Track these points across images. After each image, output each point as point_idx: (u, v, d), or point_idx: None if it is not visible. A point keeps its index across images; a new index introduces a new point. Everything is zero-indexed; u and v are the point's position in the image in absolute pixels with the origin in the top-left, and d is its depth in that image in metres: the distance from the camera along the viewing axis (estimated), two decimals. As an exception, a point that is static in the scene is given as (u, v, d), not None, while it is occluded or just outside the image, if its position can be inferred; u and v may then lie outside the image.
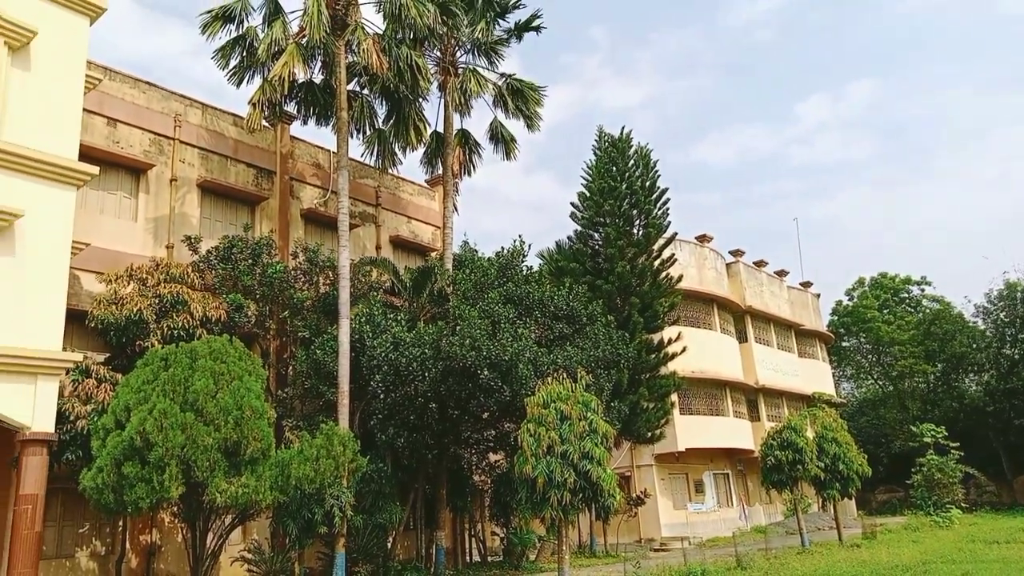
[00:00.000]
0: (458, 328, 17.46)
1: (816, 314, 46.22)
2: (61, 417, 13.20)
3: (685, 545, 26.31)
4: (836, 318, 55.00)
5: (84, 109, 14.72)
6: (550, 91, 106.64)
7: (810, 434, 24.60)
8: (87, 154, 14.69)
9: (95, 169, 14.16)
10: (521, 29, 23.92)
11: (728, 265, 38.58)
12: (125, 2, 62.31)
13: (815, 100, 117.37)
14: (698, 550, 24.05)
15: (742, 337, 37.94)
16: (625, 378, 22.57)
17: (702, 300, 34.74)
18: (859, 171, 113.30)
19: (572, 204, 28.82)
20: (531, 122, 23.83)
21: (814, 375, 42.81)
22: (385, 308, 19.23)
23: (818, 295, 46.95)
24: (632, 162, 28.45)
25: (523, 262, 21.86)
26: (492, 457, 22.41)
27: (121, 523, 15.61)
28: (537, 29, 24.02)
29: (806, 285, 46.07)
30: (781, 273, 43.04)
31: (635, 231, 27.86)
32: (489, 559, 22.71)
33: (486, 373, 16.79)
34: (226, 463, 12.60)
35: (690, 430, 31.29)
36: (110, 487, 12.18)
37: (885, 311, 54.04)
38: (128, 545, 15.76)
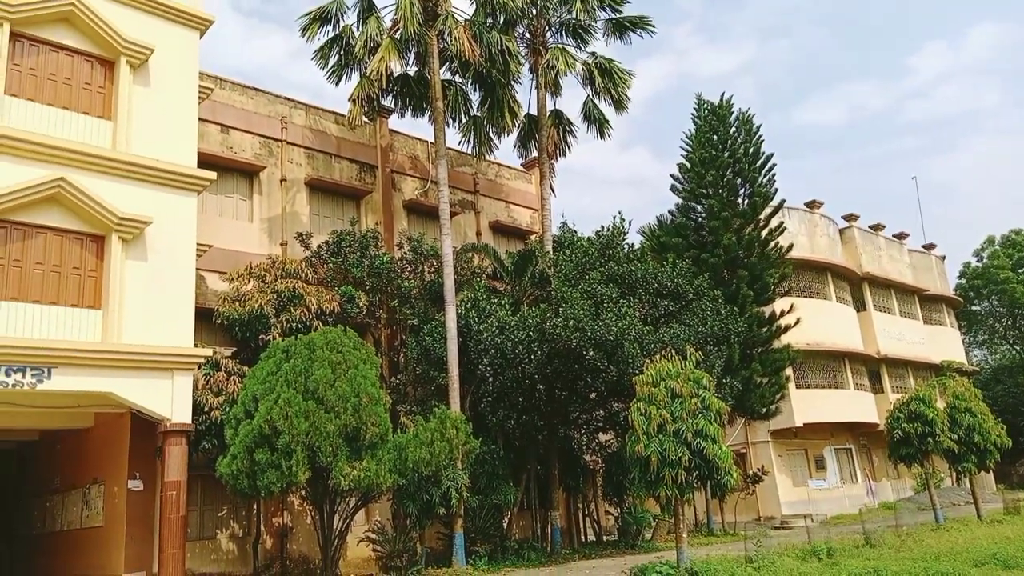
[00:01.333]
0: (561, 310, 17.47)
1: (942, 278, 43.33)
2: (196, 409, 14.14)
3: (808, 523, 25.42)
4: (964, 281, 51.36)
5: (199, 118, 15.57)
6: (641, 64, 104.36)
7: (940, 405, 23.14)
8: (204, 160, 15.55)
9: (213, 174, 15.02)
10: (625, 27, 23.34)
11: (841, 231, 36.69)
12: (227, 13, 65.46)
13: (931, 49, 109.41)
14: (822, 528, 23.20)
15: (860, 305, 36.07)
16: (736, 353, 21.96)
17: (815, 269, 33.24)
18: (984, 121, 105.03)
19: (672, 177, 28.16)
20: (620, 104, 23.35)
21: (942, 342, 40.21)
22: (489, 293, 19.47)
23: (943, 257, 43.97)
24: (733, 129, 27.43)
25: (624, 240, 21.58)
26: (602, 437, 22.37)
27: (255, 506, 16.60)
28: (646, 29, 23.40)
29: (929, 247, 43.21)
30: (900, 236, 40.54)
31: (740, 201, 26.92)
32: (604, 538, 22.73)
33: (591, 354, 16.73)
34: (347, 448, 13.16)
35: (808, 404, 30.11)
36: (244, 473, 12.96)
37: (1020, 271, 50.01)
38: (263, 527, 16.75)
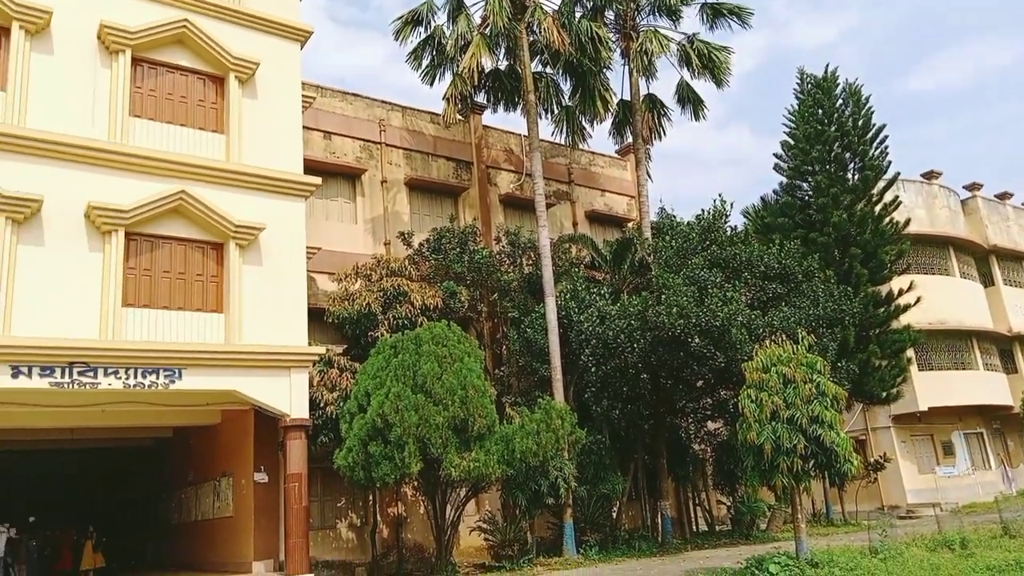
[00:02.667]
0: (663, 297, 17.18)
1: (1081, 247, 39.77)
2: (313, 404, 14.79)
3: (937, 512, 23.99)
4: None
5: (303, 126, 16.22)
6: (736, 37, 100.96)
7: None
8: (309, 166, 16.19)
9: (318, 180, 15.65)
10: (721, 14, 22.68)
11: (963, 202, 34.28)
12: (325, 24, 67.89)
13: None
14: (953, 517, 21.82)
15: (988, 280, 33.62)
16: (852, 336, 20.95)
17: (935, 244, 31.21)
18: None
19: (775, 155, 27.05)
20: (719, 80, 22.66)
21: (1084, 317, 36.96)
22: (588, 283, 19.38)
23: (1083, 224, 40.32)
24: (840, 101, 26.09)
25: (726, 223, 20.98)
26: (711, 425, 21.88)
27: (371, 497, 17.22)
28: (742, 20, 22.67)
29: (1066, 214, 39.74)
30: (1032, 203, 37.50)
31: (850, 176, 25.59)
32: (716, 528, 22.25)
33: (697, 341, 16.38)
34: (456, 440, 13.45)
35: (932, 387, 28.36)
36: (359, 465, 13.48)
37: None
38: (379, 517, 17.36)
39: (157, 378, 12.75)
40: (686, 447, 21.45)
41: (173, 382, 12.90)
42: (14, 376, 11.61)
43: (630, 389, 17.68)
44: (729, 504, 21.93)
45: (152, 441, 19.99)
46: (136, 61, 14.03)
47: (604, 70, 21.69)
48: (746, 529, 20.62)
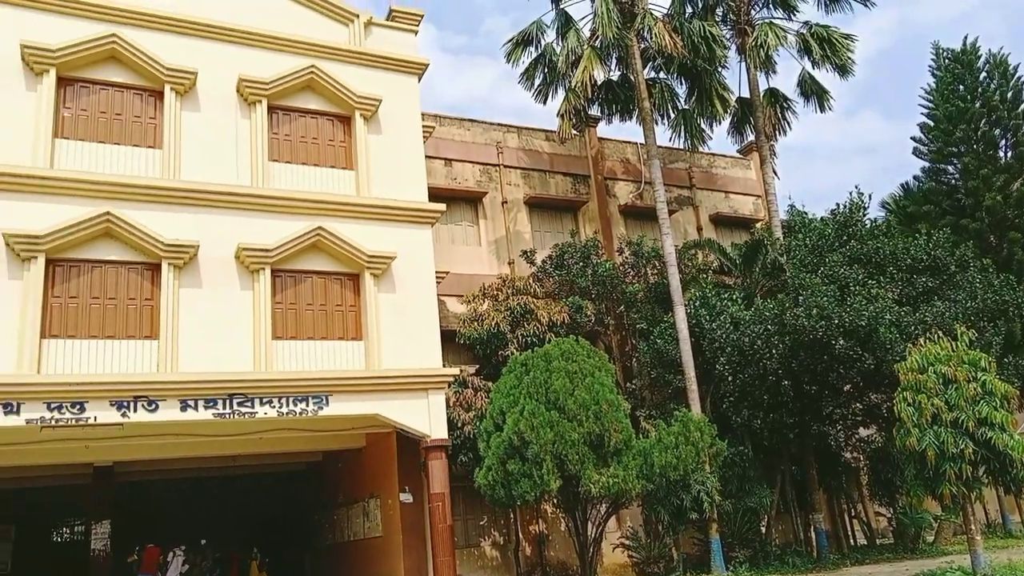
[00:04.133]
0: (801, 298, 16.39)
1: None
2: (451, 424, 15.14)
3: None
4: None
5: (425, 155, 16.77)
6: (857, 19, 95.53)
7: None
8: (433, 194, 16.70)
9: (443, 206, 16.12)
10: None
11: None
12: (437, 54, 70.25)
13: None
14: None
15: None
16: (1018, 328, 19.15)
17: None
18: None
19: (913, 139, 25.43)
20: (843, 69, 21.49)
21: None
22: (718, 289, 18.82)
23: None
24: (983, 75, 24.18)
25: (864, 216, 19.78)
26: (862, 432, 20.59)
27: (512, 515, 17.37)
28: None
29: None
30: None
31: (1001, 154, 23.56)
32: (877, 542, 20.82)
33: (841, 342, 15.50)
34: (593, 455, 13.35)
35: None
36: (499, 483, 13.63)
37: None
38: (521, 535, 17.48)
39: (307, 405, 13.47)
40: (836, 456, 20.27)
41: (321, 408, 13.58)
42: (183, 409, 12.62)
43: (771, 397, 16.93)
44: (889, 516, 20.49)
45: (304, 465, 21.11)
46: (271, 109, 15.01)
47: (720, 69, 21.13)
48: (911, 542, 19.18)
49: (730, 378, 16.95)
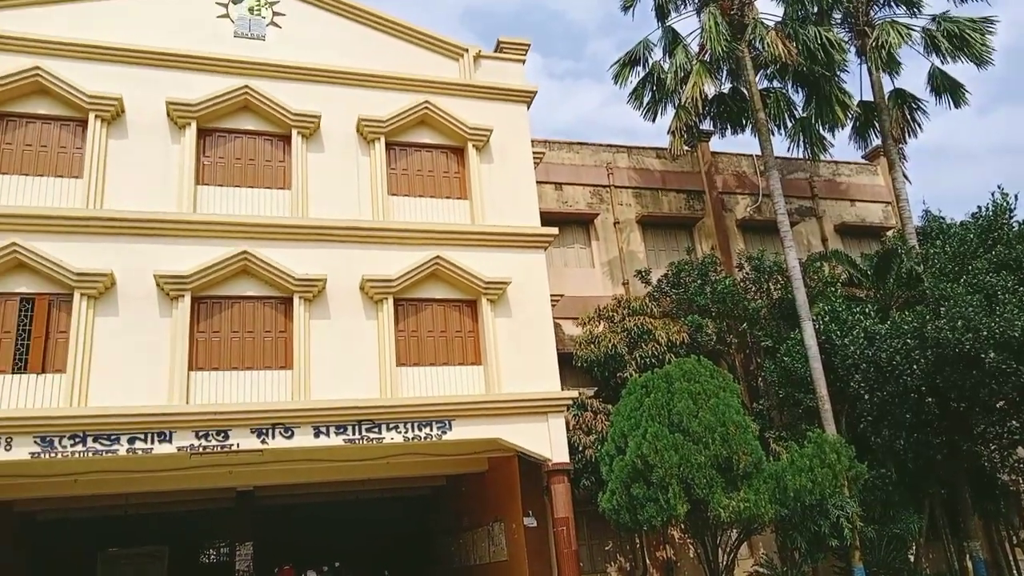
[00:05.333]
0: (943, 310, 15.26)
1: None
2: (571, 448, 15.04)
3: None
4: None
5: (536, 180, 16.94)
6: (996, 8, 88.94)
7: None
8: (545, 218, 16.81)
9: (555, 230, 16.21)
10: None
11: None
12: (544, 80, 71.23)
13: None
14: None
15: None
16: None
17: None
18: None
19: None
20: (980, 60, 20.02)
21: None
22: (848, 302, 17.82)
23: None
24: None
25: (1011, 218, 18.24)
26: (1021, 452, 18.81)
27: (638, 540, 17.00)
28: None
29: None
30: None
31: None
32: (1045, 574, 18.90)
33: (992, 355, 14.28)
34: (722, 479, 12.89)
35: None
36: (624, 507, 13.39)
37: None
38: (648, 561, 17.07)
39: (431, 430, 13.78)
40: (993, 478, 18.60)
41: (445, 433, 13.85)
42: (316, 435, 13.21)
43: (914, 415, 15.79)
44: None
45: (428, 489, 21.55)
46: (389, 145, 15.64)
47: (839, 73, 20.21)
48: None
49: (866, 396, 15.97)
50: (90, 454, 12.13)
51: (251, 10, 15.66)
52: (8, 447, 11.80)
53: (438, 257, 14.74)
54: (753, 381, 19.12)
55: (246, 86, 14.73)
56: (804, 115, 21.10)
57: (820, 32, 18.77)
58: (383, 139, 15.45)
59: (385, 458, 15.04)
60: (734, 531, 14.49)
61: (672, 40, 20.34)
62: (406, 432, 13.64)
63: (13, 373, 12.43)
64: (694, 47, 19.80)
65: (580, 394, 16.59)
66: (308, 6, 16.07)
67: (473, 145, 16.02)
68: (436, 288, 14.97)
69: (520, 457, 15.08)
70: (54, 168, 13.68)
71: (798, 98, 21.21)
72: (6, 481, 13.63)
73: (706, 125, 21.72)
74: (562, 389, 15.21)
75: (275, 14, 15.80)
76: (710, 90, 19.81)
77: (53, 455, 11.97)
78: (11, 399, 12.25)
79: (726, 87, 21.21)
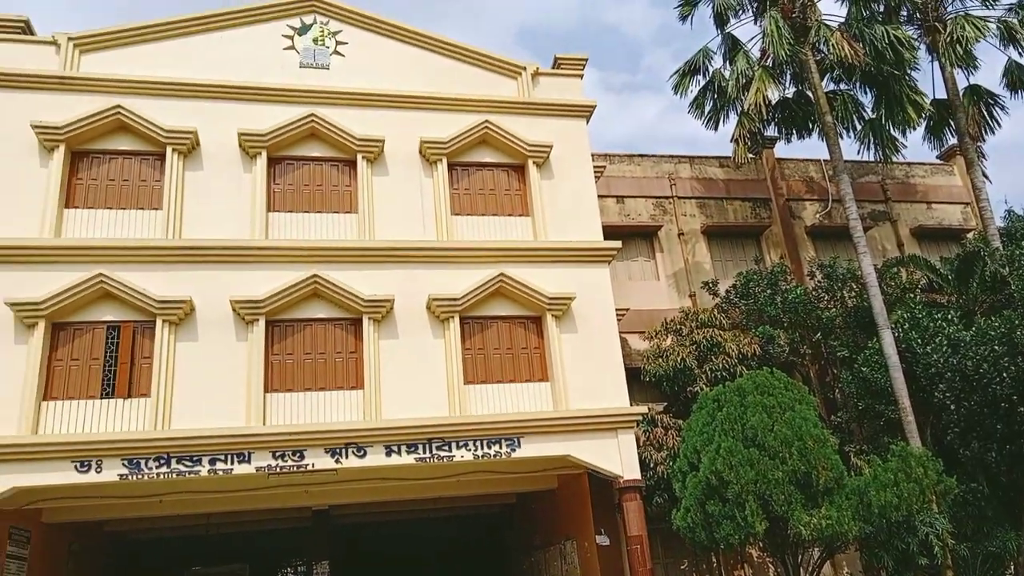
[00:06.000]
0: (1034, 313, 14.49)
1: None
2: (642, 464, 14.80)
3: None
4: None
5: (597, 194, 16.87)
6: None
7: None
8: (607, 231, 16.68)
9: (618, 243, 16.07)
10: None
11: None
12: (601, 94, 71.18)
13: None
14: None
15: None
16: None
17: None
18: None
19: None
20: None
21: None
22: (928, 309, 17.09)
23: None
24: None
25: (1109, 214, 17.25)
26: None
27: (715, 559, 16.57)
28: None
29: None
30: None
31: None
32: None
33: (1090, 360, 13.46)
34: (801, 495, 12.45)
35: None
36: (699, 525, 13.07)
37: None
38: (724, 580, 16.61)
39: (500, 447, 13.77)
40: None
41: (514, 450, 13.82)
42: (388, 455, 13.36)
43: (1005, 426, 14.97)
44: None
45: (498, 507, 21.49)
46: (451, 166, 15.83)
47: (909, 71, 19.52)
48: None
49: (952, 407, 15.24)
50: (174, 475, 12.56)
51: (315, 40, 16.15)
52: (99, 469, 12.32)
53: (502, 274, 14.80)
54: (829, 393, 18.50)
55: (312, 114, 15.16)
56: (874, 116, 20.45)
57: (888, 31, 18.20)
58: (445, 160, 15.65)
59: (455, 476, 15.09)
60: (816, 549, 13.98)
61: (732, 47, 20.04)
62: (475, 450, 13.67)
63: (101, 398, 13.01)
64: (755, 53, 19.50)
65: (649, 409, 16.34)
66: (369, 34, 16.47)
67: (533, 162, 16.08)
68: (501, 305, 15.02)
69: (590, 474, 14.92)
70: (135, 201, 14.34)
71: (866, 99, 20.60)
72: (97, 502, 14.21)
73: (770, 131, 21.32)
74: (631, 404, 15.01)
75: (338, 43, 16.25)
76: (773, 95, 19.43)
77: (140, 476, 12.44)
78: (100, 423, 12.81)
79: (790, 92, 20.81)
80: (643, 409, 15.44)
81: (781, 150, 22.21)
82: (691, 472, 13.53)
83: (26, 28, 14.89)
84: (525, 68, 16.86)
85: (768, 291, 17.99)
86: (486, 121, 15.97)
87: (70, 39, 14.79)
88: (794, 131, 21.10)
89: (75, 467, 12.22)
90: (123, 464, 12.40)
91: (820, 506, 12.42)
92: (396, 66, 16.34)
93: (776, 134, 21.43)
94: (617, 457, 14.21)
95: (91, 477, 12.28)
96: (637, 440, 15.03)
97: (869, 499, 12.77)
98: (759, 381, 13.81)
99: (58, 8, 56.86)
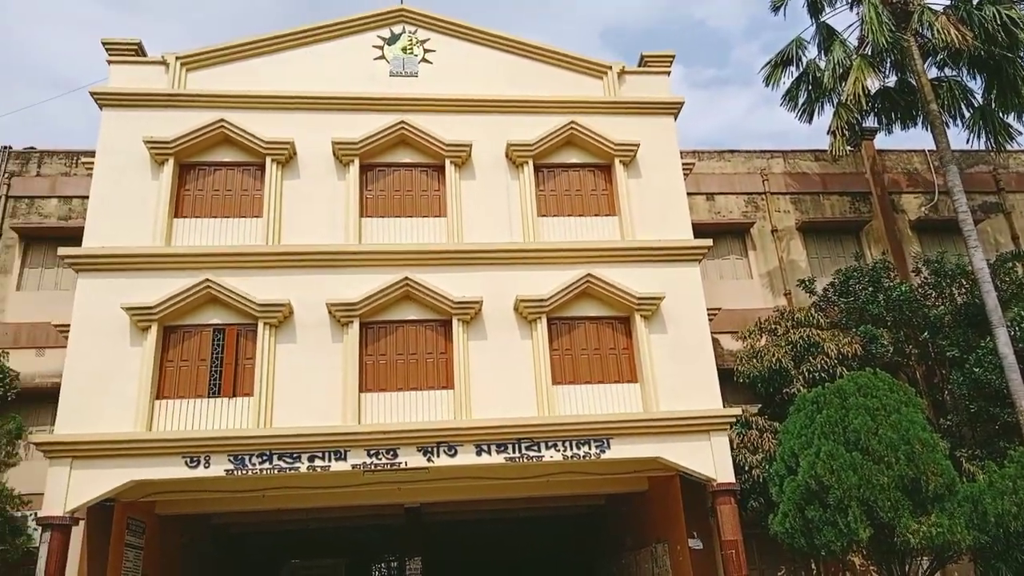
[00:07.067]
0: None
1: None
2: (737, 468, 14.41)
3: None
4: None
5: (686, 192, 16.56)
6: None
7: None
8: (697, 229, 16.34)
9: (709, 242, 15.74)
10: None
11: None
12: (687, 90, 69.84)
13: None
14: None
15: None
16: None
17: None
18: None
19: None
20: None
21: None
22: (1049, 305, 15.96)
23: None
24: None
25: None
26: None
27: (815, 566, 15.97)
28: None
29: None
30: None
31: None
32: None
33: None
34: (909, 502, 11.84)
35: None
36: (798, 531, 12.61)
37: None
38: (825, 589, 15.97)
39: (589, 448, 13.71)
40: None
41: (603, 451, 13.73)
42: (478, 454, 13.53)
43: None
44: None
45: (586, 508, 21.39)
46: (537, 168, 15.89)
47: (1023, 54, 18.30)
48: None
49: (1078, 410, 14.16)
50: (276, 471, 13.11)
51: (404, 49, 16.56)
52: (207, 465, 12.99)
53: (589, 275, 14.74)
54: (938, 395, 17.51)
55: (402, 122, 15.53)
56: (984, 103, 19.26)
57: (999, 11, 17.11)
58: (531, 162, 15.72)
59: (545, 476, 15.13)
60: (925, 559, 13.25)
61: (827, 36, 19.29)
62: (565, 450, 13.66)
63: (208, 397, 13.72)
64: (852, 41, 18.69)
65: (743, 411, 15.89)
66: (456, 40, 16.75)
67: (620, 161, 15.94)
68: (589, 306, 14.96)
69: (682, 476, 14.66)
70: (238, 209, 15.06)
71: (975, 85, 19.44)
72: (204, 495, 14.99)
73: (869, 122, 20.38)
74: (723, 406, 14.65)
75: (426, 51, 16.60)
76: (873, 85, 18.55)
77: (244, 472, 13.05)
78: (208, 421, 13.52)
79: (890, 80, 19.85)
80: (737, 411, 15.05)
81: (881, 141, 21.28)
82: (789, 476, 13.09)
83: (139, 50, 15.88)
84: (611, 67, 16.75)
85: (870, 288, 17.19)
86: (572, 122, 15.96)
87: (178, 58, 15.69)
88: (896, 121, 20.11)
89: (185, 462, 12.94)
90: (229, 460, 13.03)
91: (930, 513, 11.79)
92: (482, 71, 16.54)
93: (876, 125, 20.48)
94: (710, 459, 13.90)
95: (200, 472, 12.97)
96: (731, 442, 14.65)
97: (984, 507, 12.06)
98: (861, 382, 13.23)
99: (169, 29, 60.46)
